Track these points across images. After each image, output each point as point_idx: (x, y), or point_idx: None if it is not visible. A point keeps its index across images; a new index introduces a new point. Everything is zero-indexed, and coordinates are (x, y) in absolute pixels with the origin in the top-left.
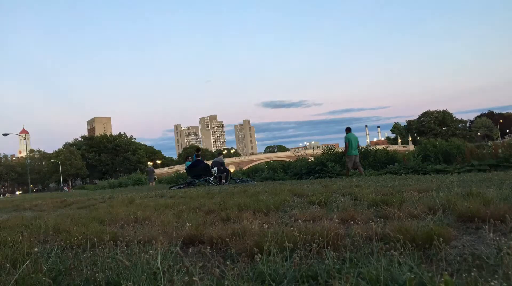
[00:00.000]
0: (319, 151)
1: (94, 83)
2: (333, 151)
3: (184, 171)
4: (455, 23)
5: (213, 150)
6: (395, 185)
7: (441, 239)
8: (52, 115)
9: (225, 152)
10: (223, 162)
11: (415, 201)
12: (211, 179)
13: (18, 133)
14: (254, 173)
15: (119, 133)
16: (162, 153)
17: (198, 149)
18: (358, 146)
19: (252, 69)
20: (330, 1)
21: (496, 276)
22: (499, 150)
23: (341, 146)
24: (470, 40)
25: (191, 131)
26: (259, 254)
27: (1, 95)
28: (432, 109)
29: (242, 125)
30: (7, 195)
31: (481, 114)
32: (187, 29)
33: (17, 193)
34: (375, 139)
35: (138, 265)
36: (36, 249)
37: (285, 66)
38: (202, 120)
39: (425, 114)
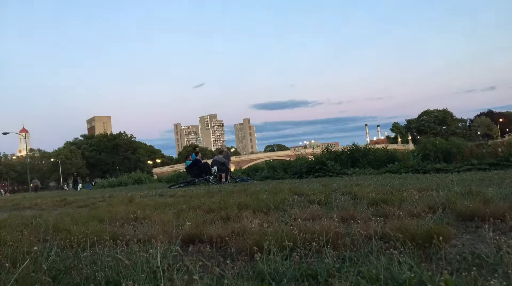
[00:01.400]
0: (319, 150)
1: (94, 81)
2: (333, 150)
3: (184, 170)
4: (453, 22)
5: (213, 149)
6: (395, 184)
7: (441, 238)
8: (52, 114)
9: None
10: (224, 161)
11: (415, 200)
12: (211, 178)
13: (18, 132)
14: (254, 172)
15: (119, 132)
16: (162, 152)
17: (195, 147)
18: None
19: (252, 70)
20: None
21: (496, 275)
22: (499, 149)
23: (341, 145)
24: (470, 38)
25: (191, 130)
26: (258, 253)
27: (1, 93)
28: (432, 108)
29: (242, 124)
30: (7, 194)
31: (480, 113)
32: (186, 29)
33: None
34: (375, 138)
35: (138, 264)
36: (36, 248)
37: (284, 66)
38: (202, 119)
39: (425, 113)
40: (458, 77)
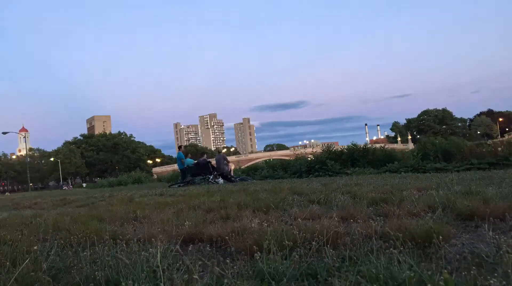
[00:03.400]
0: (318, 150)
1: (93, 81)
2: (333, 149)
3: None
4: (451, 22)
5: (212, 149)
6: (395, 184)
7: (440, 237)
8: (52, 114)
9: (224, 150)
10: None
11: (415, 199)
12: (211, 177)
13: (18, 132)
14: (254, 172)
15: (119, 132)
16: (162, 152)
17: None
18: None
19: (252, 70)
20: None
21: (496, 275)
22: (499, 149)
23: (341, 144)
24: (470, 38)
25: (191, 130)
26: (258, 252)
27: (1, 93)
28: (432, 107)
29: (241, 123)
30: (6, 193)
31: (480, 112)
32: (184, 29)
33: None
34: (374, 138)
35: (137, 264)
36: (35, 248)
37: (284, 66)
38: (201, 118)
39: (425, 112)
40: (459, 75)
